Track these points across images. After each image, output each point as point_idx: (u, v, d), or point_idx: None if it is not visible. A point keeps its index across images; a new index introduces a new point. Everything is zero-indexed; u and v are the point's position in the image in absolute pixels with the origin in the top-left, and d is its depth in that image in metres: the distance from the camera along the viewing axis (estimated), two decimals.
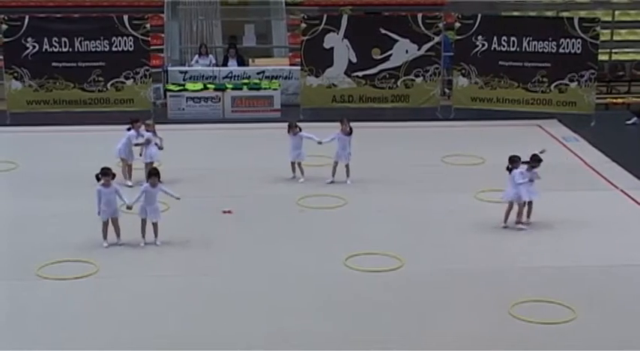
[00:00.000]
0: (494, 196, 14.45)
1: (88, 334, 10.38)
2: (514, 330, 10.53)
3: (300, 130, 15.84)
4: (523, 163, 13.68)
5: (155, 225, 13.03)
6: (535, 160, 13.71)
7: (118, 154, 15.63)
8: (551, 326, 10.57)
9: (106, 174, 13.01)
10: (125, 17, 20.33)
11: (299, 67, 21.19)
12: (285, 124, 16.17)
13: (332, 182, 15.75)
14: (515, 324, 10.65)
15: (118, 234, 13.06)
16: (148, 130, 15.77)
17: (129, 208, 13.01)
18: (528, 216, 13.85)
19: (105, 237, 13.01)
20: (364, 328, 10.58)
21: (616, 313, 11.00)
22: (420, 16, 20.83)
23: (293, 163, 15.94)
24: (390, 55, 20.80)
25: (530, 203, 13.77)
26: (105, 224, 13.00)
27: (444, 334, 10.44)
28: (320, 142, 15.75)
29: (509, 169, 13.68)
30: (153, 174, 13.16)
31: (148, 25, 20.45)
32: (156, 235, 13.04)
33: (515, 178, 13.59)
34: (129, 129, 15.81)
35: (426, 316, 10.90)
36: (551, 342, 10.25)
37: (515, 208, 13.73)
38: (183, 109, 20.74)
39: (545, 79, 20.45)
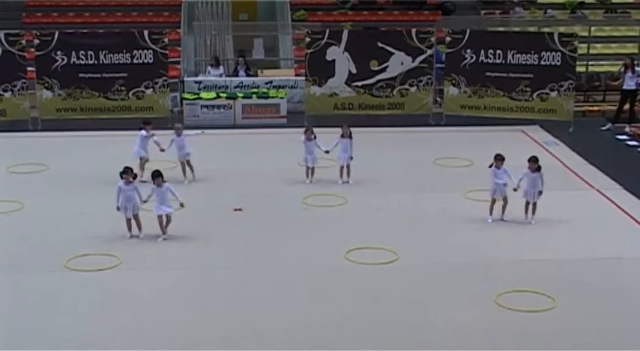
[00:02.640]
0: (482, 196, 14.43)
1: (109, 323, 10.38)
2: (499, 317, 10.53)
3: (315, 137, 15.72)
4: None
5: (168, 217, 13.04)
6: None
7: (136, 154, 15.67)
8: (534, 314, 10.56)
9: (126, 172, 13.07)
10: (145, 32, 20.34)
11: (304, 78, 21.20)
12: (291, 130, 16.12)
13: (343, 183, 15.70)
14: (500, 312, 10.64)
15: (139, 227, 13.07)
16: (178, 135, 15.83)
17: (144, 202, 13.10)
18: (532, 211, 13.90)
19: (129, 229, 13.06)
20: (362, 315, 10.56)
21: (593, 301, 10.99)
22: (414, 31, 20.82)
23: (308, 169, 15.83)
24: (387, 66, 20.78)
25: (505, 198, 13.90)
26: (128, 219, 13.04)
27: (435, 321, 10.44)
28: (327, 151, 15.70)
29: (491, 166, 13.80)
30: (156, 175, 13.09)
31: (166, 40, 20.45)
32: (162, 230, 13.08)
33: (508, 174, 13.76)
34: (140, 129, 15.87)
35: (418, 305, 10.88)
36: (533, 328, 10.25)
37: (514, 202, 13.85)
38: (198, 115, 20.73)
39: (527, 89, 20.43)
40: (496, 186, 13.77)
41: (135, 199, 13.03)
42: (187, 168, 15.84)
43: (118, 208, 13.04)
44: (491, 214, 13.88)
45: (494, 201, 13.86)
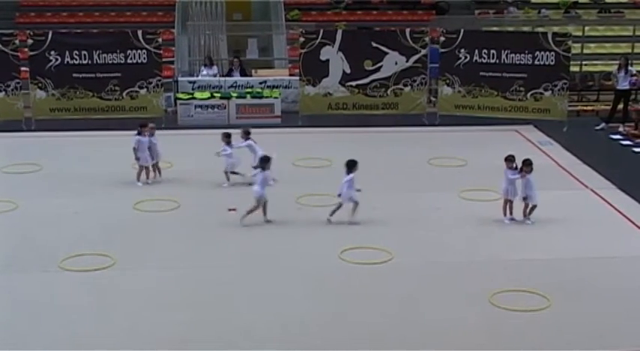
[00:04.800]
0: (476, 195, 14.46)
1: (104, 323, 10.38)
2: (493, 317, 10.55)
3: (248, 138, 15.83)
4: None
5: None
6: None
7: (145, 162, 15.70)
8: (528, 313, 10.59)
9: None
10: (139, 32, 20.33)
11: (298, 78, 21.18)
12: (285, 129, 16.15)
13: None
14: (495, 311, 10.66)
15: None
16: (151, 134, 15.75)
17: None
18: (511, 212, 13.90)
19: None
20: (357, 314, 10.58)
21: (587, 301, 11.02)
22: (407, 30, 20.85)
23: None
24: (381, 66, 20.80)
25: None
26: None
27: (429, 320, 10.46)
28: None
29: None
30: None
31: (159, 40, 20.44)
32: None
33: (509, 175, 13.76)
34: (138, 133, 15.77)
35: (412, 304, 10.90)
36: (528, 327, 10.27)
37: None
38: (192, 115, 20.73)
39: (521, 89, 20.47)
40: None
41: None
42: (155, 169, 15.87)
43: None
44: (504, 214, 13.90)
45: (506, 201, 13.85)
